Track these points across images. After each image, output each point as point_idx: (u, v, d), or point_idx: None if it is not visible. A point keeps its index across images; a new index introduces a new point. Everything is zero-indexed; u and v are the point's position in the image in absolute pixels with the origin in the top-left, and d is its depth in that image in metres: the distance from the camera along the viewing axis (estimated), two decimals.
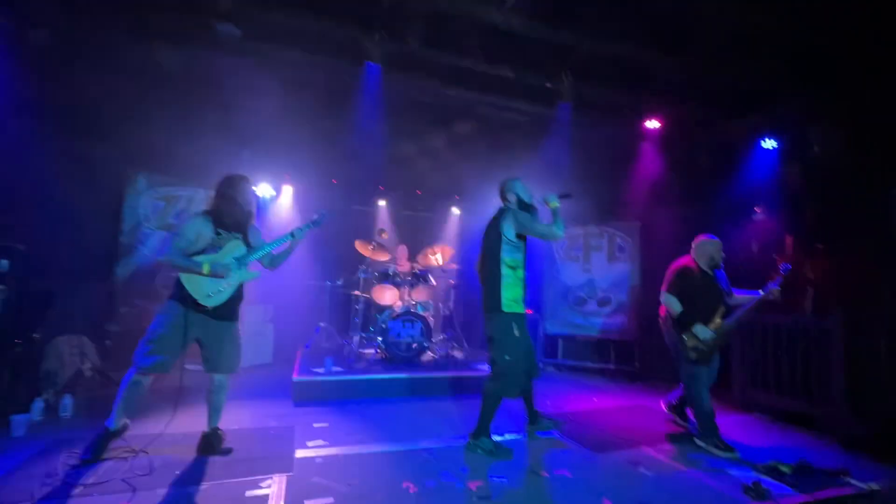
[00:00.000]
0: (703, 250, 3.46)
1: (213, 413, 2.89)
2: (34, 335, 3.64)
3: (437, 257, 5.88)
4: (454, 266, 5.98)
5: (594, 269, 6.06)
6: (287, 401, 4.03)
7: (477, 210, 7.36)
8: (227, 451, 2.82)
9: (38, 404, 3.21)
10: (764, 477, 2.74)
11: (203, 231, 2.69)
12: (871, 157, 4.17)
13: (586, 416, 3.96)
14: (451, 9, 3.29)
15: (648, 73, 4.31)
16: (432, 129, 4.77)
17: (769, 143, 4.99)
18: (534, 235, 3.05)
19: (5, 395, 3.17)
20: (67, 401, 3.36)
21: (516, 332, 2.92)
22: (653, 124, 5.06)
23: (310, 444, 3.05)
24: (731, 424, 3.91)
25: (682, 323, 3.32)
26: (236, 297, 2.84)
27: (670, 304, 3.37)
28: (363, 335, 5.35)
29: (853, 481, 2.76)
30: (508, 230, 3.01)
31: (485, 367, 4.98)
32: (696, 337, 3.28)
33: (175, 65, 3.74)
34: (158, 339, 2.59)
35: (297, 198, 6.48)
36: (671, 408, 3.85)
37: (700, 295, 3.33)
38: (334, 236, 6.66)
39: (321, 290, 5.97)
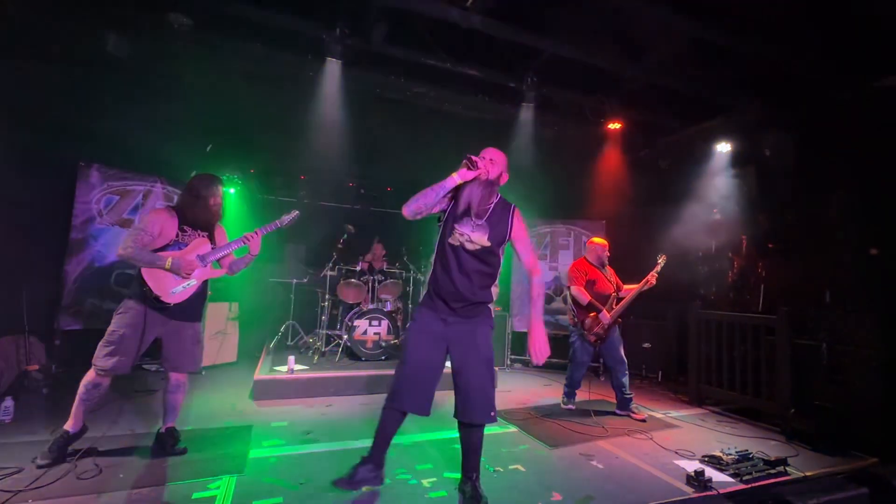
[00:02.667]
0: (593, 250, 4.15)
1: (170, 412, 2.82)
2: None
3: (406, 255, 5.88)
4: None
5: (561, 266, 6.17)
6: (249, 400, 3.97)
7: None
8: (182, 451, 2.77)
9: None
10: (707, 466, 2.86)
11: (167, 227, 2.63)
12: (817, 162, 4.38)
13: (547, 410, 4.04)
14: (411, 5, 3.28)
15: (610, 78, 4.42)
16: (399, 125, 4.75)
17: (724, 147, 5.18)
18: None
19: None
20: (9, 404, 3.20)
21: (409, 327, 2.40)
22: (615, 126, 5.18)
23: (265, 443, 3.02)
24: (683, 418, 4.07)
25: (590, 308, 3.92)
26: (200, 294, 2.79)
27: (579, 294, 3.95)
28: (329, 333, 5.30)
29: (790, 470, 2.91)
30: None
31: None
32: (598, 322, 3.87)
33: (126, 54, 3.59)
34: (118, 339, 2.52)
35: (262, 192, 6.35)
36: (620, 407, 4.05)
37: (594, 285, 3.99)
38: (301, 233, 6.56)
39: (287, 287, 5.88)
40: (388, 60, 4.02)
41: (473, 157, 2.25)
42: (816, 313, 3.93)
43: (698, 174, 5.48)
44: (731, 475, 2.78)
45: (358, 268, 5.55)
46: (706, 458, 3.00)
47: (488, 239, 2.29)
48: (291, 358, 4.33)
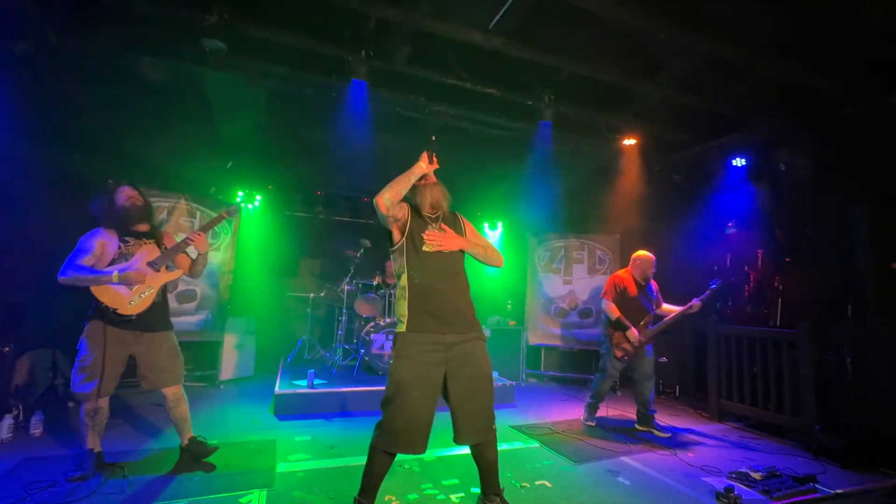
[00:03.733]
0: (638, 264, 3.99)
1: (182, 425, 2.82)
2: (4, 349, 3.54)
3: None
4: None
5: (575, 280, 6.18)
6: (269, 414, 3.99)
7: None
8: (210, 464, 2.79)
9: (6, 421, 3.10)
10: (736, 484, 2.83)
11: (107, 243, 2.61)
12: (834, 176, 4.41)
13: (568, 426, 4.02)
14: (435, 29, 3.40)
15: (625, 96, 4.51)
16: (416, 142, 4.84)
17: (739, 162, 5.23)
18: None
19: None
20: (38, 417, 3.26)
21: (399, 361, 2.13)
22: (630, 142, 5.25)
23: (291, 457, 3.04)
24: (706, 434, 4.03)
25: (619, 325, 3.83)
26: (161, 302, 2.74)
27: (608, 309, 3.88)
28: (346, 347, 5.33)
29: (820, 487, 2.87)
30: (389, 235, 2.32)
31: None
32: (627, 339, 3.79)
33: (160, 77, 3.74)
34: (90, 363, 2.50)
35: (280, 208, 6.46)
36: (640, 422, 4.02)
37: (631, 301, 3.88)
38: (318, 248, 6.66)
39: (304, 301, 5.93)
40: (410, 80, 4.14)
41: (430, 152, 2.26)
42: (839, 327, 3.91)
43: (713, 188, 5.52)
44: (761, 492, 2.75)
45: (374, 282, 5.60)
46: (734, 475, 2.97)
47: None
48: (312, 372, 4.35)
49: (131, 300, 2.58)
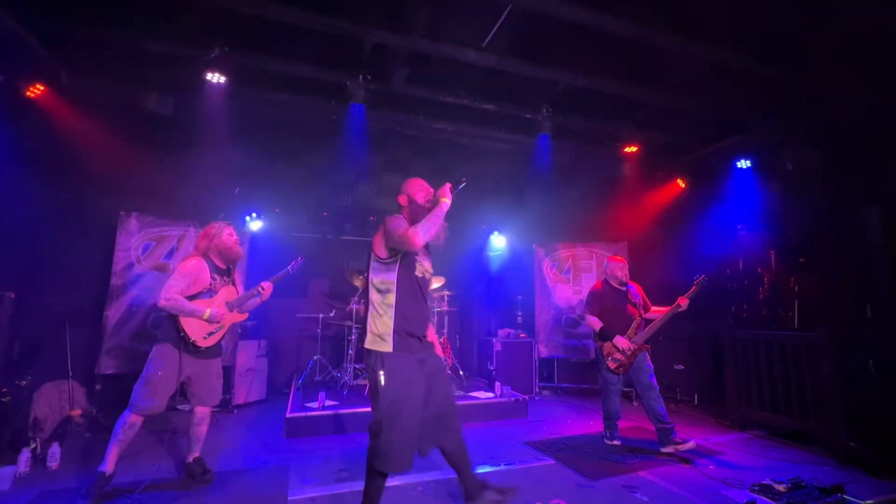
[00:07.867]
0: (609, 270, 3.93)
1: (196, 443, 2.98)
2: (22, 382, 3.61)
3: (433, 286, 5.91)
4: (447, 293, 6.01)
5: (584, 290, 6.10)
6: (282, 437, 3.99)
7: (466, 237, 7.47)
8: (210, 479, 2.93)
9: (24, 455, 3.13)
10: (759, 497, 2.74)
11: (202, 275, 2.82)
12: (843, 174, 4.33)
13: (583, 440, 3.94)
14: (430, 50, 3.46)
15: (624, 105, 4.51)
16: (418, 159, 4.92)
17: (744, 163, 5.17)
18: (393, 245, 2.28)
19: None
20: (55, 450, 3.29)
21: (385, 381, 2.17)
22: (631, 150, 5.23)
23: (303, 483, 3.02)
24: (726, 444, 3.91)
25: (604, 336, 3.74)
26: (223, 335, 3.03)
27: (591, 322, 3.82)
28: (356, 367, 5.32)
29: (848, 498, 2.76)
30: (377, 244, 2.33)
31: (481, 395, 4.96)
32: (616, 348, 3.66)
33: (167, 110, 3.86)
34: (158, 381, 2.70)
35: (287, 231, 6.52)
36: (662, 442, 3.72)
37: (614, 310, 3.77)
38: (326, 268, 6.70)
39: (314, 322, 5.95)
40: (409, 100, 4.21)
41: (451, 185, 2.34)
42: (859, 329, 3.79)
43: (720, 191, 5.46)
44: None
45: None
46: (756, 488, 2.87)
47: (431, 266, 2.50)
48: (322, 394, 4.35)
49: (207, 334, 2.83)
